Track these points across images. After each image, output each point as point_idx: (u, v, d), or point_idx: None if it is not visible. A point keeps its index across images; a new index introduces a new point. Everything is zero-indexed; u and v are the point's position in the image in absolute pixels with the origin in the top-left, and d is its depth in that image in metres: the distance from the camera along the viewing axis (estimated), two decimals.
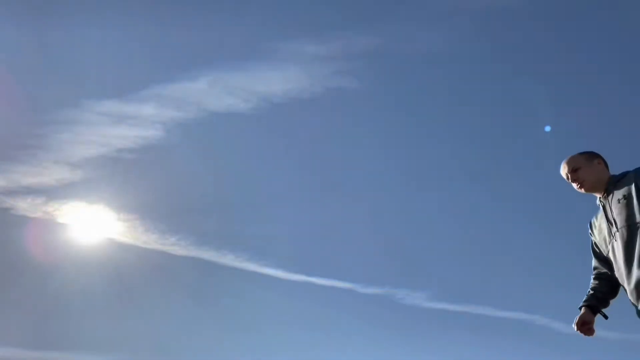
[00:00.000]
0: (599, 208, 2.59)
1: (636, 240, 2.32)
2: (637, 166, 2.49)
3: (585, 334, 2.59)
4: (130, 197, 8.60)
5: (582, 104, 9.18)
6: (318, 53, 8.08)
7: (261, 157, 9.03)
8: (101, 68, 8.20)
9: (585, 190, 2.57)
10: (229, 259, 8.88)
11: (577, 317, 2.61)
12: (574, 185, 2.59)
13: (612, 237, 2.45)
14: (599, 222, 2.56)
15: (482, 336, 8.28)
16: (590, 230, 2.67)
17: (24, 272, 8.09)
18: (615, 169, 2.60)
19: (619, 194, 2.43)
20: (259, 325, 8.71)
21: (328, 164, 9.20)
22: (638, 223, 2.32)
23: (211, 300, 8.96)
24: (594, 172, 2.57)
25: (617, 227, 2.40)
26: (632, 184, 2.38)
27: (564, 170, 2.64)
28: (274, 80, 8.24)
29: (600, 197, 2.56)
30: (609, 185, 2.51)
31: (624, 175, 2.50)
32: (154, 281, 8.76)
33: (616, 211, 2.42)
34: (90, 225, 8.38)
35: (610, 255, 2.49)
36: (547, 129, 8.87)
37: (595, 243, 2.63)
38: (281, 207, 9.09)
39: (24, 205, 8.17)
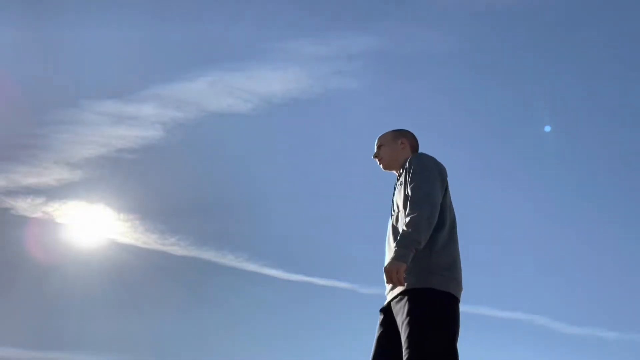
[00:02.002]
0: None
1: (397, 228, 2.33)
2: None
3: None
4: (130, 197, 8.60)
5: (582, 104, 9.19)
6: (318, 53, 8.08)
7: (261, 157, 9.03)
8: (101, 68, 8.20)
9: (383, 167, 2.62)
10: (229, 259, 8.88)
11: None
12: (376, 161, 2.63)
13: (389, 221, 2.49)
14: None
15: (482, 336, 8.29)
16: None
17: (24, 272, 8.10)
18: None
19: (401, 178, 2.45)
20: (259, 325, 8.71)
21: (328, 164, 9.20)
22: (400, 211, 2.34)
23: (211, 300, 8.96)
24: (392, 152, 2.59)
25: (391, 211, 2.46)
26: (405, 171, 2.39)
27: (376, 146, 2.67)
28: (274, 81, 8.24)
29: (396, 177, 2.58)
30: (402, 168, 2.50)
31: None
32: (154, 281, 8.76)
33: (395, 195, 2.47)
34: (90, 225, 8.38)
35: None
36: (547, 129, 8.88)
37: None
38: (281, 207, 9.10)
39: (23, 205, 8.18)
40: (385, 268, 2.13)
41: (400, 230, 2.27)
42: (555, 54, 8.79)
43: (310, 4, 8.24)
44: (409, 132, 2.66)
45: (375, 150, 2.65)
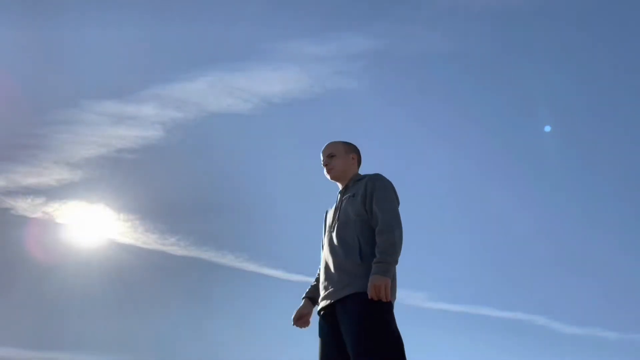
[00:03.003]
0: (336, 198, 2.74)
1: (346, 235, 2.48)
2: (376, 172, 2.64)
3: (300, 326, 2.67)
4: (130, 197, 8.60)
5: (582, 104, 9.19)
6: (317, 54, 8.08)
7: (261, 157, 9.03)
8: (101, 68, 8.20)
9: (331, 177, 2.72)
10: (229, 259, 8.88)
11: (296, 311, 2.69)
12: (325, 168, 2.73)
13: (331, 228, 2.59)
14: (330, 213, 2.70)
15: (482, 336, 8.29)
16: (324, 219, 2.78)
17: (24, 272, 8.09)
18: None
19: (352, 190, 2.59)
20: (259, 326, 8.72)
21: None
22: (352, 220, 2.49)
23: (211, 300, 8.96)
24: (344, 164, 2.71)
25: (338, 220, 2.55)
26: (362, 186, 2.55)
27: (323, 154, 2.76)
28: (273, 81, 8.24)
29: (340, 189, 2.71)
30: (350, 182, 2.67)
31: (363, 177, 2.65)
32: (154, 281, 8.75)
33: (344, 206, 2.58)
34: (90, 225, 8.38)
35: (325, 244, 2.61)
36: (547, 129, 8.88)
37: (324, 231, 2.73)
38: (281, 207, 9.10)
39: (23, 206, 8.17)
40: (375, 283, 2.26)
41: (352, 241, 2.43)
42: (555, 54, 8.80)
43: (310, 5, 8.24)
44: (357, 147, 2.80)
45: (325, 158, 2.73)
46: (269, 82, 8.22)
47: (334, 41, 8.07)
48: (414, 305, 8.71)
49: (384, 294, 2.25)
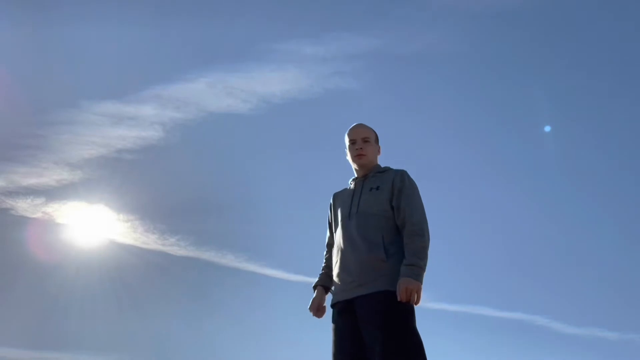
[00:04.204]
0: (349, 185, 2.66)
1: (368, 230, 2.42)
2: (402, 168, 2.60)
3: (319, 317, 2.61)
4: (130, 198, 8.59)
5: (582, 104, 9.19)
6: (317, 54, 8.08)
7: (261, 157, 9.03)
8: (101, 68, 8.19)
9: (359, 162, 2.60)
10: (229, 259, 8.88)
11: (312, 301, 2.62)
12: (355, 151, 2.60)
13: (347, 218, 2.51)
14: (343, 199, 2.61)
15: (482, 336, 8.29)
16: (332, 204, 2.70)
17: (24, 272, 8.09)
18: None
19: (373, 182, 2.52)
20: (259, 326, 8.72)
21: (327, 164, 9.21)
22: (375, 214, 2.43)
23: (211, 300, 8.96)
24: (373, 153, 2.63)
25: (357, 210, 2.47)
26: (389, 180, 2.49)
27: (356, 134, 2.62)
28: (273, 81, 8.24)
29: (358, 177, 2.62)
30: (371, 172, 2.59)
31: (385, 169, 2.58)
32: (154, 281, 8.75)
33: (364, 197, 2.50)
34: (90, 225, 8.38)
35: (338, 233, 2.54)
36: (547, 129, 8.88)
37: (333, 218, 2.67)
38: (281, 207, 9.10)
39: (23, 206, 8.17)
40: (408, 286, 2.25)
41: (375, 237, 2.39)
42: (555, 54, 8.80)
43: (309, 5, 8.24)
44: None
45: (359, 141, 2.61)
46: (269, 82, 8.23)
47: (333, 41, 8.07)
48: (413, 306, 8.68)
49: (415, 298, 2.27)
